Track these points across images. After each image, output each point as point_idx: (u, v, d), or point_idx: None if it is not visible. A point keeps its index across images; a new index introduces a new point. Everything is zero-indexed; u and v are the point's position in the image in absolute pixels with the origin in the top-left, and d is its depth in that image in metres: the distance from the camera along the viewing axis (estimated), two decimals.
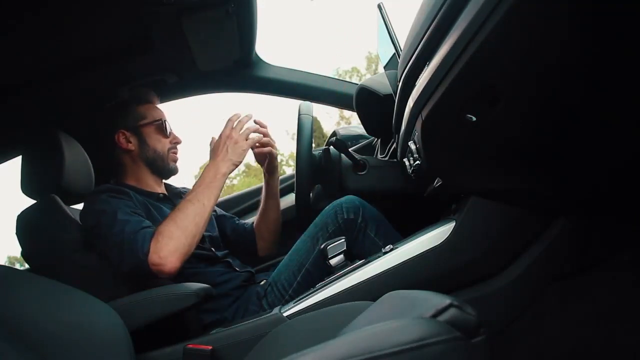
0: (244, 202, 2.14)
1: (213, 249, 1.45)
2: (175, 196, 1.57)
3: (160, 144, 1.52)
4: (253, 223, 1.67)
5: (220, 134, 1.41)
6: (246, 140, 1.39)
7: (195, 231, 1.27)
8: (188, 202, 1.30)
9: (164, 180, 1.59)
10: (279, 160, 1.67)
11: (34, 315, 0.81)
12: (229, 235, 1.62)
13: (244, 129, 1.40)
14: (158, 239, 1.22)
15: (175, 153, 1.55)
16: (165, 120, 1.54)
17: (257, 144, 1.49)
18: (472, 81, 0.56)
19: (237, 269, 1.45)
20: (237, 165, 1.37)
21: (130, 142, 1.50)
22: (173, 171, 1.56)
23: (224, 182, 1.36)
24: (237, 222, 1.68)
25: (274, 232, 1.64)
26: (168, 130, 1.53)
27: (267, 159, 1.57)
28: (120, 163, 1.52)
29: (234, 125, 1.41)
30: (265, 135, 1.50)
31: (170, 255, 1.20)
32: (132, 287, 1.20)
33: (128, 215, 1.27)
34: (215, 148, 1.39)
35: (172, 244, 1.21)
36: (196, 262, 1.36)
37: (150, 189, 1.50)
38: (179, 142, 1.56)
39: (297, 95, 1.92)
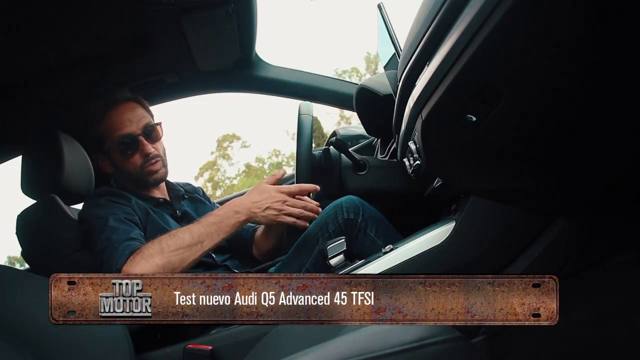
0: None
1: (214, 255, 1.42)
2: (178, 199, 1.51)
3: (131, 165, 1.38)
4: (255, 228, 1.57)
5: (279, 189, 1.27)
6: (287, 215, 1.26)
7: (178, 265, 1.16)
8: (188, 231, 1.21)
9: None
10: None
11: (33, 315, 0.81)
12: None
13: (299, 207, 1.27)
14: (136, 257, 1.15)
15: (152, 164, 1.39)
16: (123, 137, 1.36)
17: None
18: (472, 81, 0.56)
19: (236, 271, 1.44)
20: (250, 220, 1.25)
21: (108, 166, 1.43)
22: (155, 183, 1.44)
23: (234, 231, 1.24)
24: None
25: (275, 247, 1.53)
26: (129, 151, 1.37)
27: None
28: (115, 180, 1.48)
29: (294, 199, 1.27)
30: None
31: None
32: None
33: (119, 223, 1.24)
34: (260, 191, 1.28)
35: (144, 266, 1.13)
36: (194, 267, 1.34)
37: (149, 194, 1.46)
38: (148, 153, 1.37)
39: (297, 95, 1.92)
